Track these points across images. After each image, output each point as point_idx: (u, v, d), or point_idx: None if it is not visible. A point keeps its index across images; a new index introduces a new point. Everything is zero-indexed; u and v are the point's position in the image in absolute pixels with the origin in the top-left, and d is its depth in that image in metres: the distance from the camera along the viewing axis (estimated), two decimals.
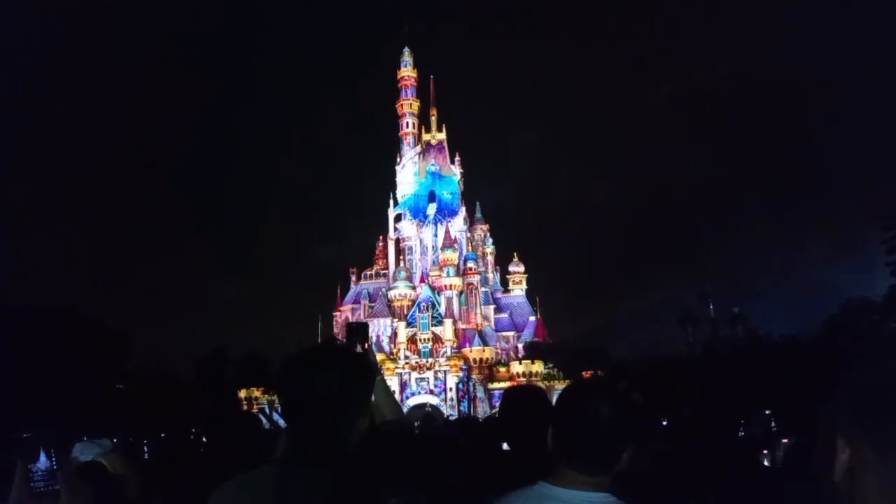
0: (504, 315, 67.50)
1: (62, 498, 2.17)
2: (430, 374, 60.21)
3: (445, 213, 68.80)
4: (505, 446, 3.52)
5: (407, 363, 60.40)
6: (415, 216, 69.58)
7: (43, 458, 2.19)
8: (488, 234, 74.37)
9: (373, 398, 2.10)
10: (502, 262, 73.41)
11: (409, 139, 71.89)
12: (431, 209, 69.50)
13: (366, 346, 2.52)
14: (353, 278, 72.78)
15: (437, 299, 63.30)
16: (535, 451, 2.79)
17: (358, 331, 2.51)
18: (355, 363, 1.99)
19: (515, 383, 56.08)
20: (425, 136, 72.19)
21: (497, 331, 65.67)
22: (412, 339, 61.56)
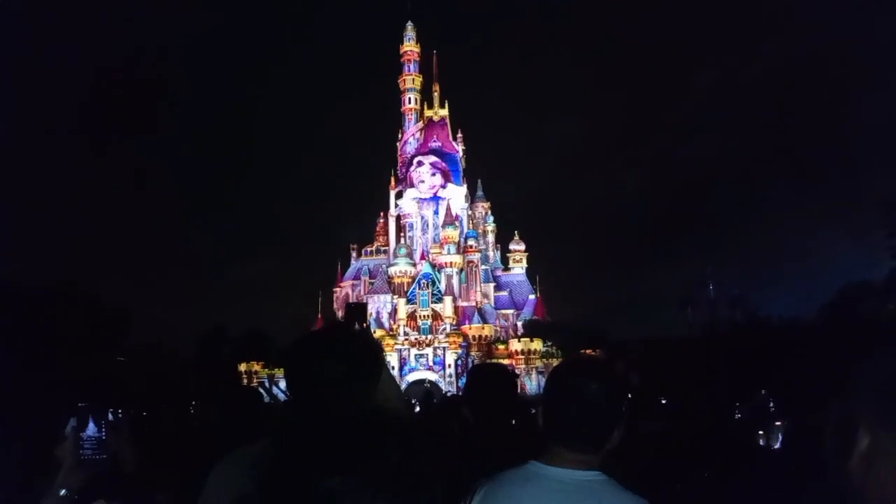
0: (504, 293, 67.65)
1: (62, 470, 2.23)
2: (429, 351, 60.53)
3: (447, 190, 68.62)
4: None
5: (406, 340, 60.69)
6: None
7: (92, 426, 2.31)
8: (489, 212, 74.27)
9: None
10: (503, 241, 73.52)
11: (412, 115, 71.47)
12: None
13: (364, 325, 2.51)
14: (354, 254, 72.87)
15: (438, 276, 63.39)
16: (500, 427, 2.81)
17: (356, 311, 2.51)
18: (364, 348, 1.98)
19: (514, 361, 56.45)
20: (427, 113, 71.71)
21: (497, 309, 65.86)
22: (412, 316, 61.77)
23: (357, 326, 2.47)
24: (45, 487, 2.19)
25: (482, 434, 2.95)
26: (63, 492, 2.19)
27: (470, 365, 58.92)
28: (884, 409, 1.12)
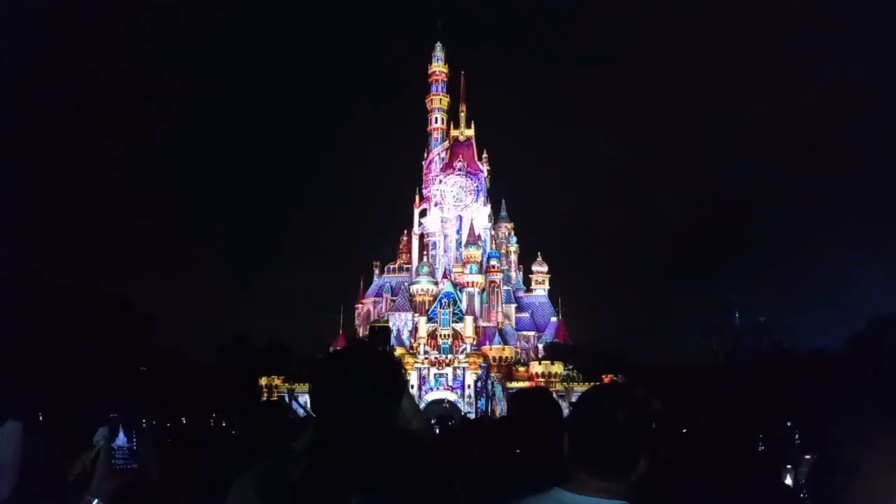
0: (525, 314, 67.27)
1: (94, 480, 2.28)
2: (448, 371, 60.23)
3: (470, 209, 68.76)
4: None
5: (426, 358, 60.48)
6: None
7: (122, 436, 2.35)
8: (512, 233, 74.18)
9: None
10: (525, 262, 73.29)
11: (437, 134, 71.85)
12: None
13: (386, 349, 2.53)
14: (377, 271, 73.07)
15: (459, 296, 63.28)
16: (545, 454, 2.78)
17: (380, 333, 2.52)
18: (389, 368, 2.00)
19: (534, 383, 55.91)
20: (453, 132, 72.10)
21: (518, 330, 65.48)
22: (432, 335, 61.60)
23: (380, 349, 2.49)
24: (77, 495, 2.23)
25: (531, 464, 2.94)
26: (95, 501, 2.22)
27: (490, 386, 58.52)
28: (887, 449, 1.11)
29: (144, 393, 33.23)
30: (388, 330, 2.65)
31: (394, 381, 1.99)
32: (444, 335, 61.35)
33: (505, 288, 66.24)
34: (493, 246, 68.83)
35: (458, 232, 68.25)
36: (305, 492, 1.72)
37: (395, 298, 67.17)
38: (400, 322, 64.24)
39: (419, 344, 61.27)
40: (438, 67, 72.52)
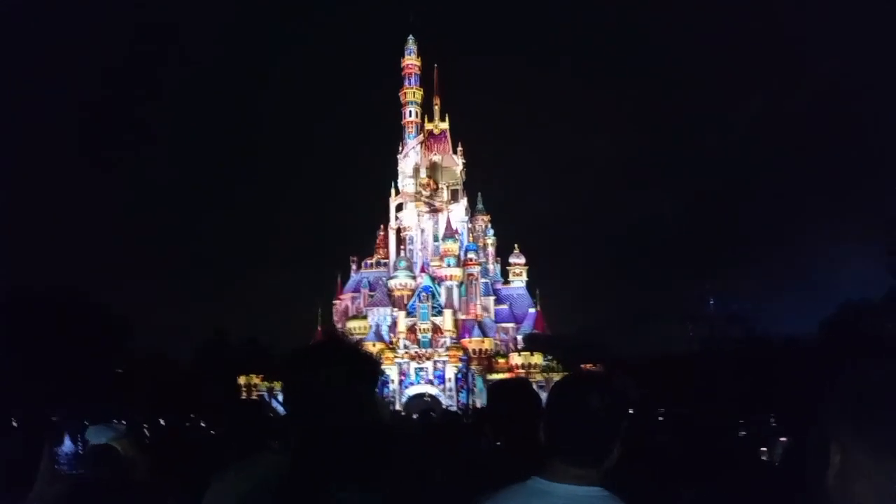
0: (504, 306, 67.56)
1: (37, 483, 2.22)
2: (429, 365, 60.32)
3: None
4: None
5: (406, 353, 60.50)
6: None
7: (68, 441, 2.29)
8: (489, 225, 74.36)
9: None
10: (503, 254, 73.55)
11: (412, 128, 71.63)
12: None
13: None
14: (354, 267, 72.83)
15: (438, 289, 63.32)
16: (524, 445, 2.81)
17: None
18: (361, 361, 1.99)
19: (514, 375, 56.17)
20: (428, 126, 71.95)
21: (497, 322, 65.75)
22: (412, 329, 61.61)
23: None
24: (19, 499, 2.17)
25: (510, 455, 2.96)
26: None
27: (470, 379, 58.72)
28: (856, 423, 1.14)
29: (121, 395, 32.81)
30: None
31: (370, 367, 1.98)
32: (424, 329, 61.38)
33: (483, 280, 66.42)
34: (471, 239, 68.92)
35: (436, 225, 68.23)
36: (294, 488, 1.72)
37: (373, 294, 67.04)
38: (379, 317, 64.16)
39: (398, 339, 61.25)
40: (411, 60, 72.23)
